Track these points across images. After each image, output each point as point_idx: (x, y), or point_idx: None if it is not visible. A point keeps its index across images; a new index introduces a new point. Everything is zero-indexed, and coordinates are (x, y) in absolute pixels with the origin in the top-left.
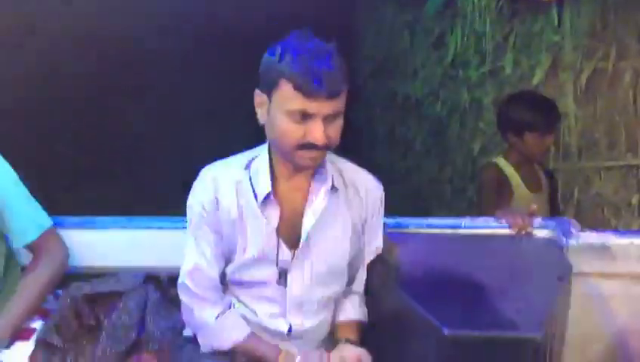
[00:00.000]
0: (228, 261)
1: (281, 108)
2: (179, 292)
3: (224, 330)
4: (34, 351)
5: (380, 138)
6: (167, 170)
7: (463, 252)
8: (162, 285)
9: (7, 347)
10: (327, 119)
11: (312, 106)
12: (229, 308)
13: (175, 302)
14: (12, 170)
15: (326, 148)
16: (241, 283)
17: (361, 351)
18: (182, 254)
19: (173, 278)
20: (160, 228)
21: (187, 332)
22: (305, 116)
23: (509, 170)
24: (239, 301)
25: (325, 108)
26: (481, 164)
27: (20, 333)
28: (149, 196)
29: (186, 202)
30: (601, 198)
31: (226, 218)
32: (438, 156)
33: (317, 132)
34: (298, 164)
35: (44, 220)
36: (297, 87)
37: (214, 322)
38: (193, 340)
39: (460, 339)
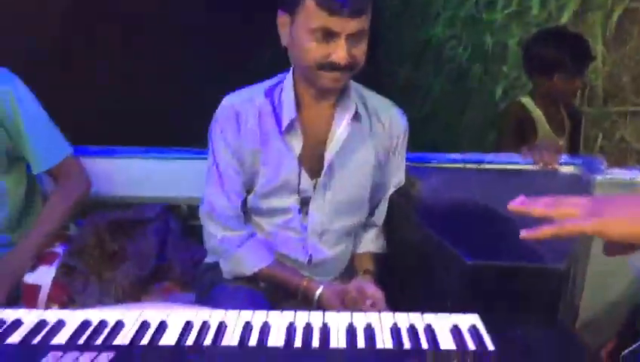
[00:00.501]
0: (249, 189)
1: (304, 27)
2: (201, 219)
3: (248, 257)
4: (57, 275)
5: (400, 83)
6: (189, 101)
7: (486, 186)
8: (182, 215)
9: (32, 270)
10: (351, 39)
11: (335, 24)
12: (251, 235)
13: (195, 233)
14: (34, 96)
15: (349, 69)
16: (262, 212)
17: (376, 289)
18: (202, 185)
19: (193, 209)
20: (180, 158)
21: (209, 259)
22: (328, 35)
23: (534, 110)
24: (261, 229)
25: (349, 26)
26: (506, 104)
27: (43, 257)
28: (171, 128)
29: (207, 133)
30: (626, 144)
31: (247, 146)
32: (457, 101)
33: (340, 51)
34: (321, 87)
35: (65, 147)
36: (320, 4)
37: (238, 248)
38: (215, 267)
39: (482, 269)
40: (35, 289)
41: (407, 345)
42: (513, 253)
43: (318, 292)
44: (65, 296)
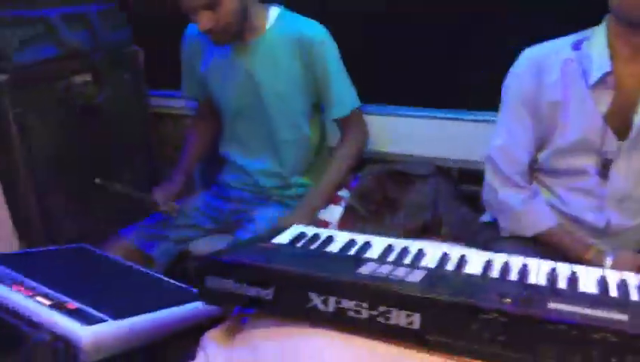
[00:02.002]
0: (540, 147)
1: None
2: (485, 173)
3: (530, 216)
4: (343, 215)
5: None
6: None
7: None
8: (452, 178)
9: (324, 208)
10: None
11: None
12: (535, 194)
13: (464, 197)
14: (336, 45)
15: None
16: (554, 171)
17: None
18: (475, 149)
19: (463, 172)
20: (455, 119)
21: (484, 217)
22: None
23: None
24: (549, 190)
25: None
26: None
27: (332, 198)
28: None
29: (488, 95)
30: None
31: (547, 99)
32: None
33: None
34: None
35: (356, 98)
36: None
37: (520, 206)
38: (490, 226)
39: None
40: (326, 224)
41: None
42: None
43: (608, 262)
44: None
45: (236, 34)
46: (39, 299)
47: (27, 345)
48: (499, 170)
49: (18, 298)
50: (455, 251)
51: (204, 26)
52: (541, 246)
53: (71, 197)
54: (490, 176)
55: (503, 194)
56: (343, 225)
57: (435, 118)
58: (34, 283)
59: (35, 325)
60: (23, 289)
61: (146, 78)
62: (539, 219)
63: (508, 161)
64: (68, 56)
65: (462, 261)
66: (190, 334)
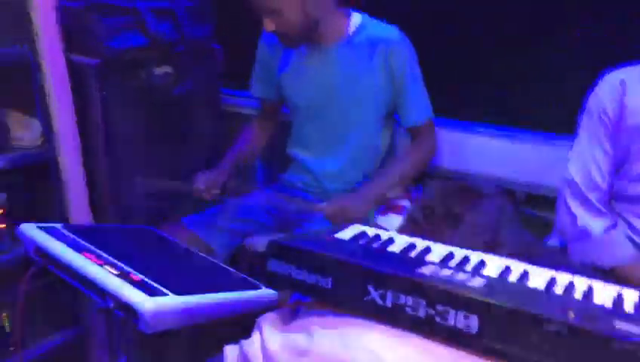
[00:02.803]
0: (619, 172)
1: None
2: (563, 192)
3: (611, 246)
4: (403, 225)
5: None
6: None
7: None
8: (516, 200)
9: (383, 215)
10: None
11: None
12: (614, 225)
13: (527, 222)
14: (416, 53)
15: None
16: (631, 199)
17: None
18: (541, 172)
19: (528, 196)
20: (527, 140)
21: (553, 241)
22: None
23: None
24: (624, 220)
25: None
26: None
27: (394, 207)
28: (522, 110)
29: (565, 118)
30: None
31: (629, 123)
32: None
33: None
34: None
35: (430, 108)
36: None
37: (601, 234)
38: (556, 251)
39: None
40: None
41: None
42: None
43: None
44: None
45: (304, 39)
46: (107, 267)
47: (93, 310)
48: (579, 195)
49: (87, 264)
50: (517, 265)
51: (268, 29)
52: (614, 279)
53: (141, 182)
54: (568, 201)
55: (583, 220)
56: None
57: (507, 137)
58: (103, 253)
59: (102, 292)
60: (93, 257)
61: (222, 75)
62: (620, 250)
63: (588, 186)
64: (152, 46)
65: (525, 274)
66: (244, 320)
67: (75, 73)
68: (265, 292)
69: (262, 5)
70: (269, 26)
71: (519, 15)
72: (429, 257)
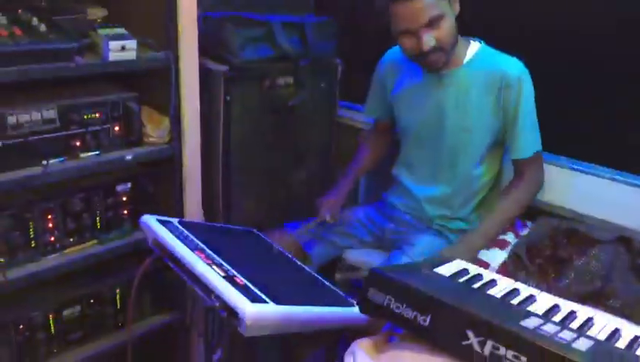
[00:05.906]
0: None
1: None
2: None
3: None
4: (506, 261)
5: None
6: None
7: None
8: (634, 249)
9: (487, 249)
10: None
11: None
12: None
13: None
14: (532, 85)
15: None
16: None
17: None
18: None
19: None
20: None
21: None
22: None
23: None
24: None
25: None
26: None
27: (497, 242)
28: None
29: None
30: None
31: None
32: None
33: None
34: None
35: (538, 144)
36: None
37: None
38: None
39: None
40: (486, 265)
41: None
42: None
43: None
44: None
45: (449, 57)
46: (215, 268)
47: (199, 307)
48: None
49: (198, 263)
50: (628, 328)
51: (428, 44)
52: None
53: (252, 185)
54: None
55: None
56: (504, 271)
57: (625, 182)
58: (212, 253)
59: (209, 290)
60: (203, 256)
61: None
62: None
63: None
64: (278, 58)
65: (635, 341)
66: (332, 336)
67: (205, 78)
68: (358, 312)
69: (425, 15)
70: (429, 41)
71: None
72: (533, 308)
